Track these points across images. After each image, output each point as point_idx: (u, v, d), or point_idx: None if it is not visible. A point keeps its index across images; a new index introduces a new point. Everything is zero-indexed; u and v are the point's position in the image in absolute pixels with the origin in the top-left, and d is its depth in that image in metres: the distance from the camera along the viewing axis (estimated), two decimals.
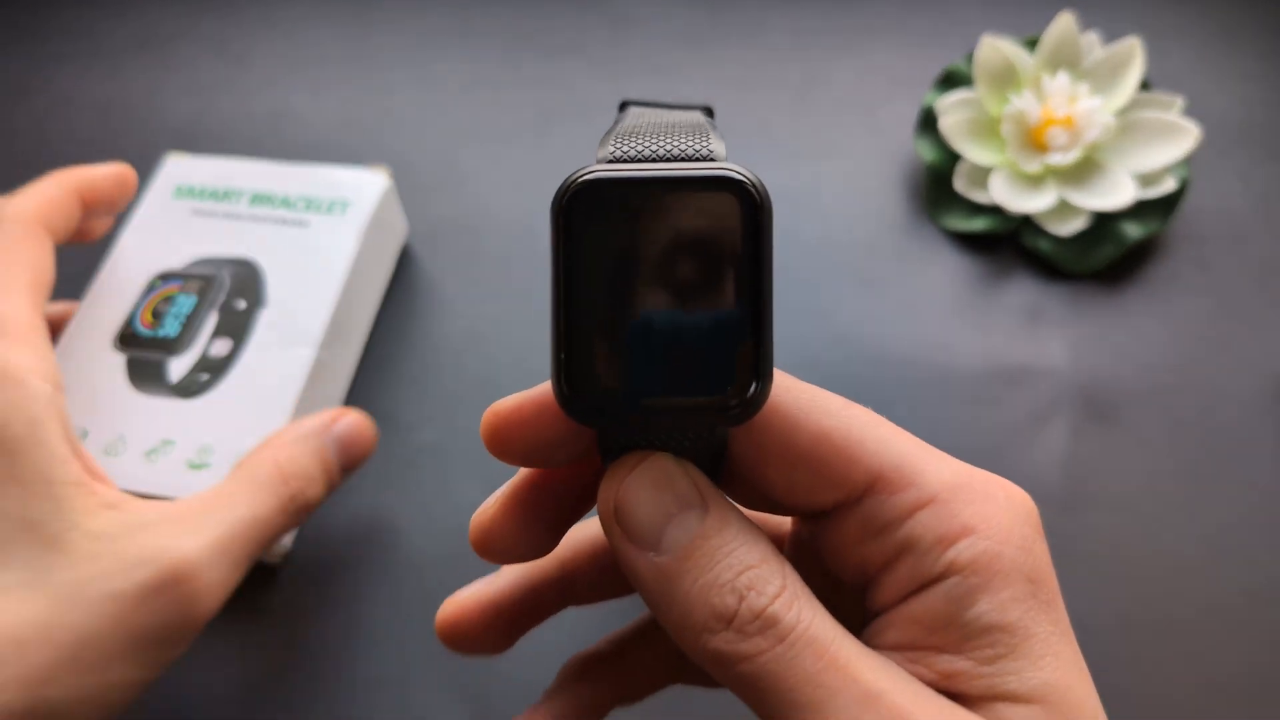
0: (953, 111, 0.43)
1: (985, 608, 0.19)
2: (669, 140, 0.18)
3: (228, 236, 0.38)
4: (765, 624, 0.18)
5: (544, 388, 0.19)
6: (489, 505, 0.22)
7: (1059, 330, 0.40)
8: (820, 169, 0.45)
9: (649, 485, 0.19)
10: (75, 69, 0.50)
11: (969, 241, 0.43)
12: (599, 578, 0.25)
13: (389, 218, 0.41)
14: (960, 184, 0.43)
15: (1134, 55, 0.42)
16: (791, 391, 0.20)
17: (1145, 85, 0.44)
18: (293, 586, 0.35)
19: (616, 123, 0.20)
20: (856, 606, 0.21)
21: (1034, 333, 0.40)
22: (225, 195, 0.39)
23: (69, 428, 0.28)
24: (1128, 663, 0.33)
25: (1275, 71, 0.48)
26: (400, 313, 0.42)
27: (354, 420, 0.32)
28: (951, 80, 0.45)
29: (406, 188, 0.45)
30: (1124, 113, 0.42)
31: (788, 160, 0.46)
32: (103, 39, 0.51)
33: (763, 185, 0.17)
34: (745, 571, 0.18)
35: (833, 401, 0.20)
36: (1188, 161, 0.42)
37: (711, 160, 0.18)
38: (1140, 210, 0.42)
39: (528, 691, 0.33)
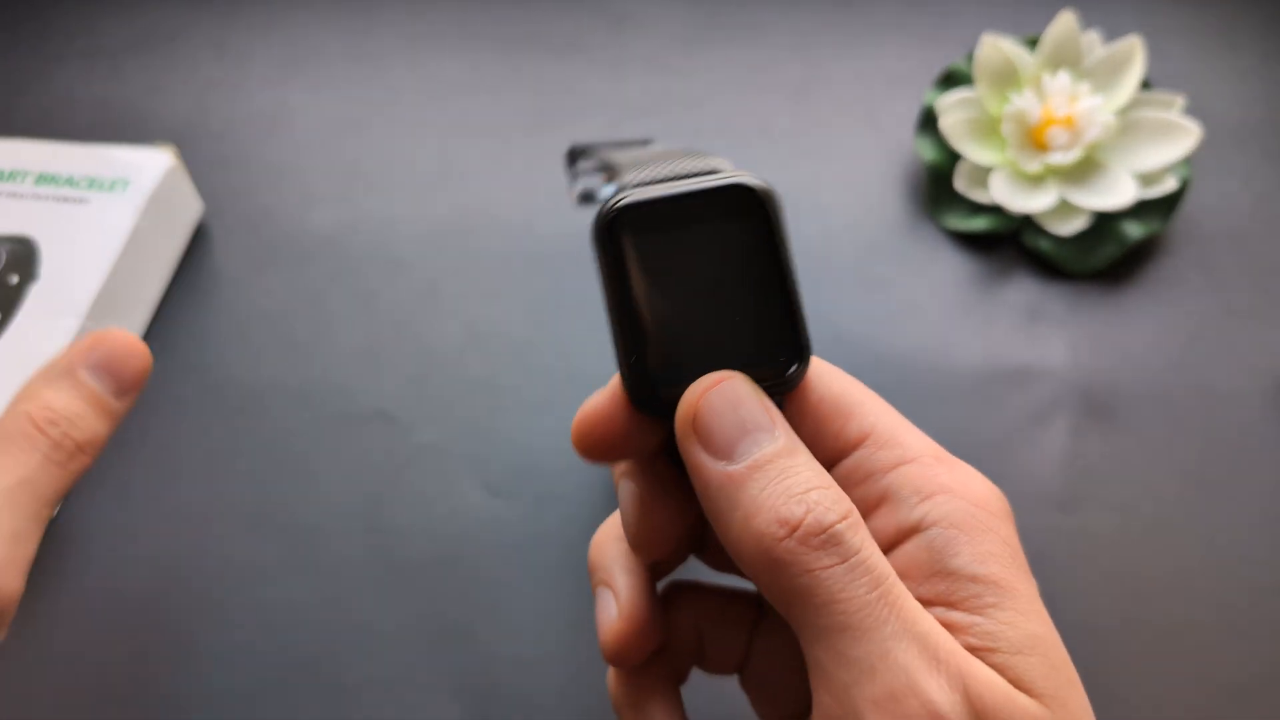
0: (953, 111, 0.43)
1: (967, 558, 0.19)
2: (675, 164, 0.21)
3: (8, 215, 0.39)
4: (830, 540, 0.18)
5: (616, 385, 0.21)
6: (596, 398, 0.22)
7: (1059, 330, 0.40)
8: (820, 169, 0.45)
9: (730, 400, 0.20)
10: (76, 68, 0.50)
11: (969, 241, 0.43)
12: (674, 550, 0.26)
13: (174, 196, 0.42)
14: (961, 183, 0.42)
15: (1134, 54, 0.42)
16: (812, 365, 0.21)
17: (1146, 85, 0.44)
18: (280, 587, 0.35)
19: (582, 162, 0.22)
20: None
21: (1034, 332, 0.40)
22: (10, 176, 0.41)
23: None
24: (1129, 663, 0.33)
25: (1276, 71, 0.48)
26: (197, 290, 0.42)
27: (110, 341, 0.28)
28: (952, 79, 0.45)
29: (405, 187, 0.45)
30: (1124, 112, 0.42)
31: (788, 160, 0.46)
32: (103, 38, 0.51)
33: (772, 186, 0.20)
34: (814, 490, 0.19)
35: (841, 374, 0.22)
36: (1188, 161, 0.42)
37: (719, 173, 0.20)
38: (1141, 210, 0.42)
39: (526, 692, 0.33)
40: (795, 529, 0.18)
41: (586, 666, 0.33)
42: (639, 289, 0.20)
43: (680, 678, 0.26)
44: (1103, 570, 0.35)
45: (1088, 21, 0.45)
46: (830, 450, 0.21)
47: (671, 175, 0.20)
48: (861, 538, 0.18)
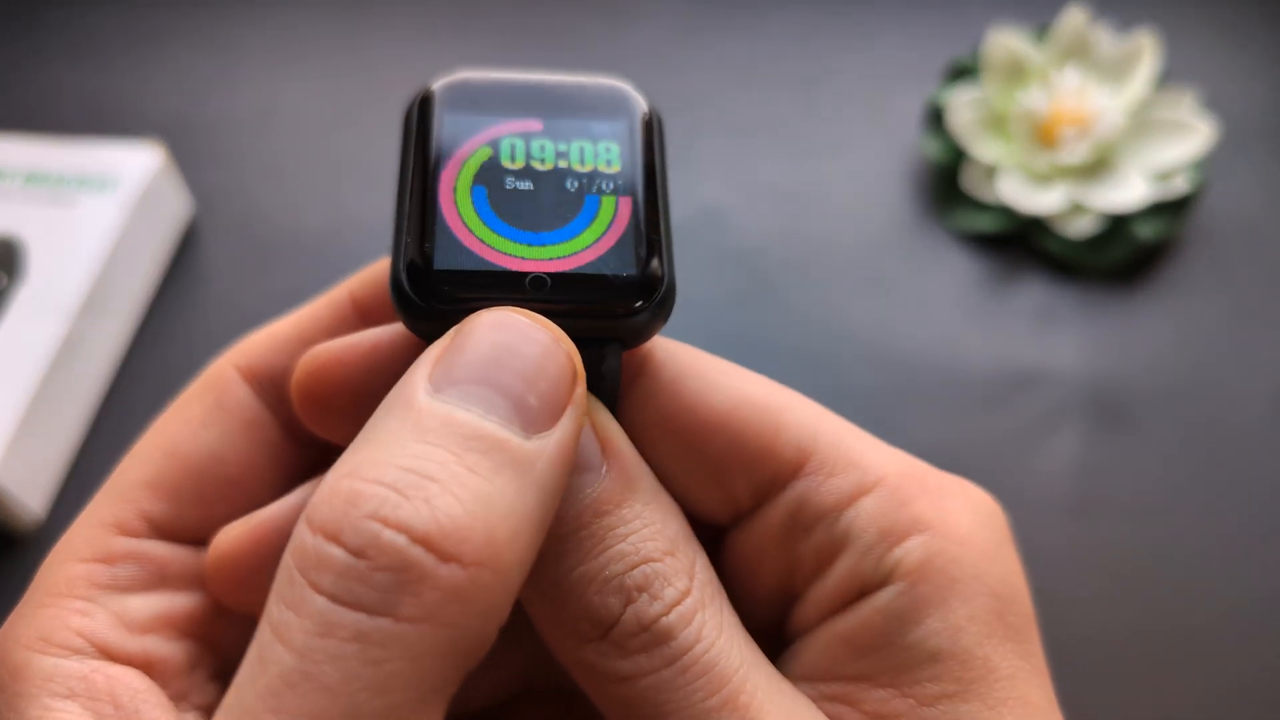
0: (960, 108, 0.42)
1: (934, 627, 0.15)
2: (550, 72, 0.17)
3: None
4: (654, 639, 0.14)
5: (373, 332, 0.16)
6: (336, 341, 0.17)
7: (1070, 332, 0.40)
8: (825, 166, 0.45)
9: None
10: (64, 63, 0.49)
11: (977, 241, 0.42)
12: None
13: (164, 195, 0.41)
14: (968, 182, 0.42)
15: (1146, 49, 0.42)
16: (704, 356, 0.16)
17: (1159, 81, 0.43)
18: None
19: None
20: (770, 649, 0.16)
21: (1044, 335, 0.40)
22: None
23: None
24: (1142, 672, 0.33)
25: None
26: (191, 291, 0.41)
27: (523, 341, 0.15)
28: (959, 74, 0.44)
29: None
30: (1136, 109, 0.42)
31: (791, 158, 0.45)
32: (91, 33, 0.50)
33: (651, 101, 0.16)
34: (642, 565, 0.14)
35: (755, 375, 0.16)
36: (1203, 160, 0.41)
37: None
38: (1153, 210, 0.41)
39: None
40: (609, 629, 0.14)
41: None
42: (448, 170, 0.15)
43: None
44: (1115, 578, 0.34)
45: (1098, 14, 0.44)
46: (758, 477, 0.16)
47: (532, 72, 0.17)
48: (699, 623, 0.14)
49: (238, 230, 0.43)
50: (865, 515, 0.15)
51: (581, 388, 0.14)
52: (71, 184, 0.40)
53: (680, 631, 0.14)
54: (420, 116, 0.16)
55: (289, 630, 0.12)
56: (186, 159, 0.44)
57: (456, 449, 0.12)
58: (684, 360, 0.16)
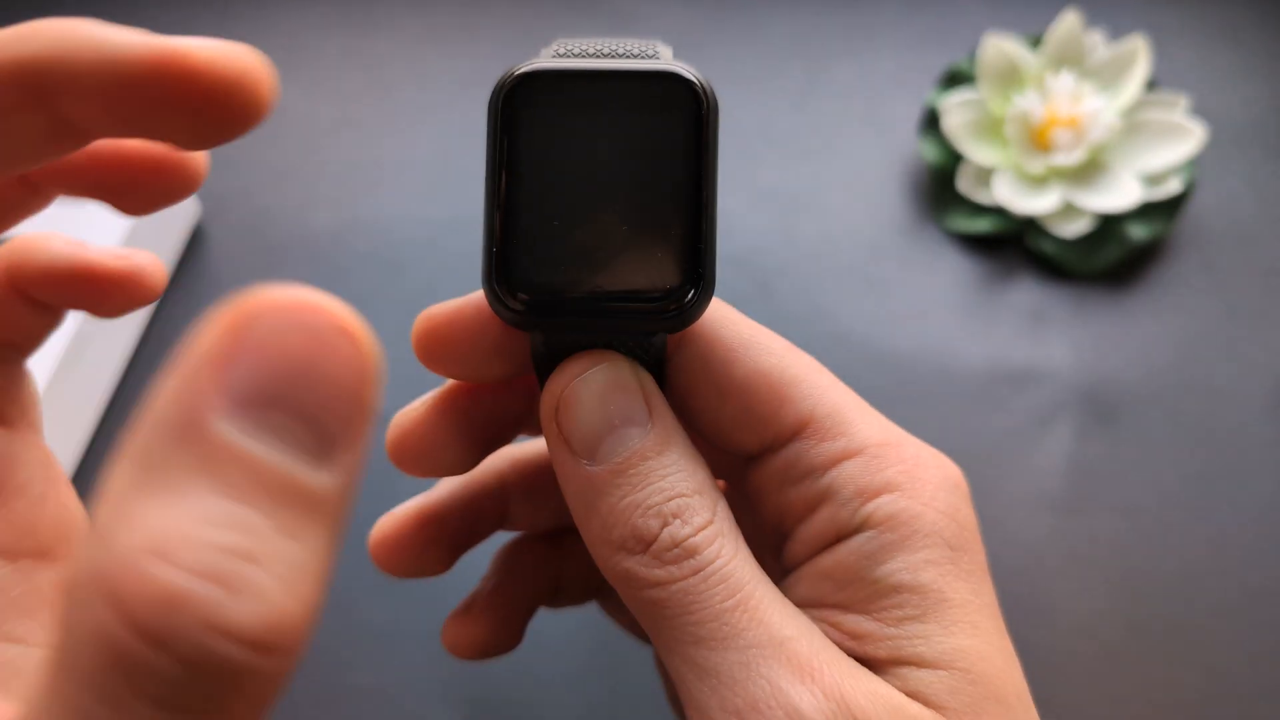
0: (956, 111, 0.43)
1: (896, 565, 0.18)
2: (615, 44, 0.18)
3: None
4: (683, 554, 0.17)
5: (481, 295, 0.19)
6: (414, 408, 0.21)
7: (1063, 332, 0.40)
8: (822, 169, 0.45)
9: (597, 391, 0.18)
10: None
11: (972, 243, 0.43)
12: (534, 499, 0.25)
13: None
14: (964, 185, 0.42)
15: (1138, 54, 0.42)
16: (735, 324, 0.19)
17: (1150, 85, 0.44)
18: None
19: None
20: (778, 568, 0.20)
21: (1038, 335, 0.40)
22: None
23: None
24: (1133, 666, 0.33)
25: None
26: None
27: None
28: (954, 79, 0.45)
29: (404, 188, 0.45)
30: (1129, 113, 0.42)
31: (789, 161, 0.45)
32: None
33: (710, 85, 0.17)
34: (676, 499, 0.18)
35: (776, 342, 0.20)
36: (1194, 162, 0.42)
37: (658, 60, 0.18)
38: (1145, 211, 0.41)
39: (526, 700, 0.33)
40: (649, 544, 0.17)
41: (587, 672, 0.33)
42: (528, 175, 0.17)
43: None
44: (1107, 574, 0.35)
45: (1091, 20, 0.45)
46: (762, 436, 0.20)
47: (599, 52, 0.18)
48: (719, 545, 0.18)
49: (245, 233, 0.44)
50: (845, 475, 0.19)
51: (372, 410, 0.12)
52: None
53: (704, 549, 0.17)
54: (502, 111, 0.17)
55: None
56: None
57: (268, 505, 0.11)
58: (713, 334, 0.19)
